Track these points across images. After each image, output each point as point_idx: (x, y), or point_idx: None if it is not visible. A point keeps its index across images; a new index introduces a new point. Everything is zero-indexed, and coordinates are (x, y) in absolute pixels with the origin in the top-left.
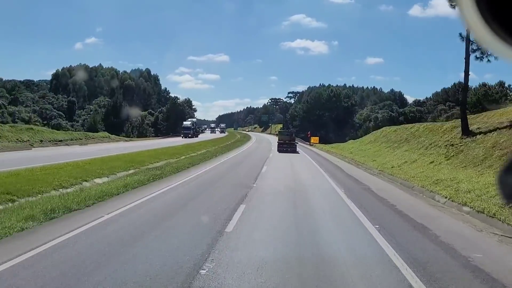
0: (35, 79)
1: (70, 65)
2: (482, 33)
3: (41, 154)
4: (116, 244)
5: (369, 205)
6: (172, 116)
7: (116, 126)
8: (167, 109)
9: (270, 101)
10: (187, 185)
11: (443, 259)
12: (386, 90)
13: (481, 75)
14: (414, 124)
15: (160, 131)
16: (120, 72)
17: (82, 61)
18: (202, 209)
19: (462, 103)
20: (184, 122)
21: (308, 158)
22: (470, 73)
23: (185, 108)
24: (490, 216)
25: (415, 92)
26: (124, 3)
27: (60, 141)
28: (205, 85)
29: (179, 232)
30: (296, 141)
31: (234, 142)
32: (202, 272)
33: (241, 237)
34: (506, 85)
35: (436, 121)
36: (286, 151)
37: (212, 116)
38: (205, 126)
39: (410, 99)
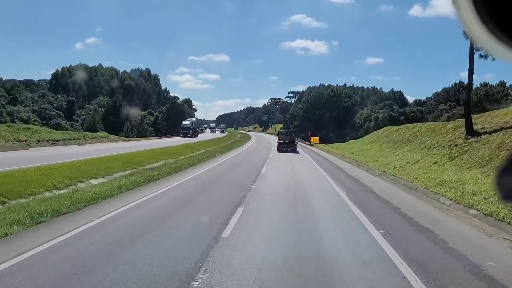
0: (36, 79)
1: (70, 65)
2: (479, 33)
3: (37, 154)
4: (104, 251)
5: (372, 207)
6: (172, 116)
7: (116, 126)
8: (166, 109)
9: (270, 101)
10: (183, 187)
11: (454, 268)
12: (386, 90)
13: (482, 75)
14: (416, 124)
15: (159, 131)
16: (120, 72)
17: (82, 61)
18: (197, 213)
19: (466, 102)
20: (183, 122)
21: (309, 158)
22: None
23: (185, 108)
24: (499, 220)
25: (415, 92)
26: (124, 3)
27: (58, 141)
28: (205, 85)
29: (171, 238)
30: (296, 141)
31: (234, 142)
32: (195, 284)
33: (238, 244)
34: (507, 84)
35: (437, 121)
36: (286, 151)
37: (212, 116)
38: (205, 126)
39: (410, 99)
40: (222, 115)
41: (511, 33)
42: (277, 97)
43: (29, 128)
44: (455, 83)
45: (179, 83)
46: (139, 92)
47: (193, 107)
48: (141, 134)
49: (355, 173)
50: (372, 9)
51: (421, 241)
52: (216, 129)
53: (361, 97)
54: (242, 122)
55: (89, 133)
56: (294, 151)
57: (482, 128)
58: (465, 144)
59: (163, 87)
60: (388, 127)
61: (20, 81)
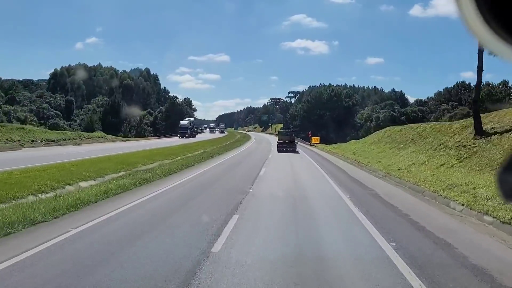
0: (35, 78)
1: (69, 65)
2: (481, 32)
3: (29, 155)
4: (76, 269)
5: (379, 215)
6: (171, 116)
7: (114, 126)
8: (166, 108)
9: (270, 101)
10: (175, 191)
11: None
12: (386, 90)
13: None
14: (420, 123)
15: (158, 131)
16: (119, 71)
17: (82, 60)
18: (186, 223)
19: (474, 100)
20: (181, 122)
21: (309, 159)
22: (471, 73)
23: (184, 108)
24: None
25: (415, 92)
26: (125, 3)
27: (52, 141)
28: (205, 85)
29: (154, 254)
30: (296, 141)
31: (233, 142)
32: None
33: (230, 261)
34: (510, 84)
35: (439, 121)
36: (286, 151)
37: (212, 116)
38: (205, 126)
39: (411, 99)
40: (222, 115)
41: None
42: (277, 97)
43: (23, 128)
44: (456, 83)
45: (179, 83)
46: (138, 91)
47: (193, 107)
48: (140, 134)
49: (358, 175)
50: (373, 9)
51: (439, 256)
52: (216, 129)
53: (362, 97)
54: (242, 122)
55: (85, 133)
56: (294, 151)
57: (492, 128)
58: (474, 145)
59: (162, 86)
60: (391, 127)
61: (19, 81)
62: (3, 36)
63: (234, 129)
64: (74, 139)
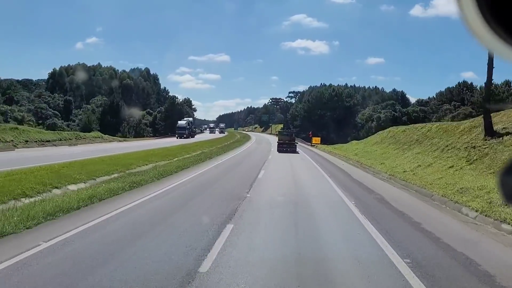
0: (35, 78)
1: (68, 64)
2: (482, 32)
3: (21, 156)
4: None
5: (389, 224)
6: (171, 116)
7: (113, 126)
8: (165, 108)
9: (270, 101)
10: (166, 196)
11: None
12: (387, 90)
13: (483, 75)
14: (425, 123)
15: (158, 131)
16: (119, 71)
17: (82, 60)
18: (173, 235)
19: (484, 99)
20: (179, 122)
21: (310, 160)
22: (472, 73)
23: (184, 108)
24: None
25: (416, 92)
26: (125, 3)
27: (47, 141)
28: (205, 85)
29: (130, 276)
30: (296, 141)
31: (233, 143)
32: None
33: (220, 284)
34: None
35: (441, 121)
36: (286, 151)
37: (212, 116)
38: (205, 126)
39: (412, 99)
40: (222, 115)
41: None
42: (278, 97)
43: (17, 128)
44: (459, 83)
45: (179, 83)
46: (138, 91)
47: (193, 107)
48: (139, 134)
49: (362, 178)
50: (373, 9)
51: (463, 277)
52: (216, 129)
53: (363, 97)
54: (243, 122)
55: (81, 134)
56: (294, 151)
57: (504, 128)
58: (484, 146)
59: (162, 86)
60: (394, 127)
61: (18, 80)
62: (3, 36)
63: (234, 129)
64: (69, 139)
